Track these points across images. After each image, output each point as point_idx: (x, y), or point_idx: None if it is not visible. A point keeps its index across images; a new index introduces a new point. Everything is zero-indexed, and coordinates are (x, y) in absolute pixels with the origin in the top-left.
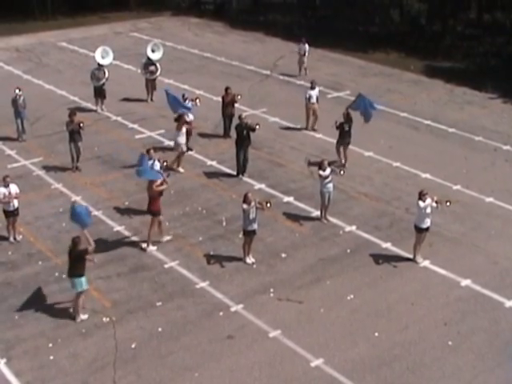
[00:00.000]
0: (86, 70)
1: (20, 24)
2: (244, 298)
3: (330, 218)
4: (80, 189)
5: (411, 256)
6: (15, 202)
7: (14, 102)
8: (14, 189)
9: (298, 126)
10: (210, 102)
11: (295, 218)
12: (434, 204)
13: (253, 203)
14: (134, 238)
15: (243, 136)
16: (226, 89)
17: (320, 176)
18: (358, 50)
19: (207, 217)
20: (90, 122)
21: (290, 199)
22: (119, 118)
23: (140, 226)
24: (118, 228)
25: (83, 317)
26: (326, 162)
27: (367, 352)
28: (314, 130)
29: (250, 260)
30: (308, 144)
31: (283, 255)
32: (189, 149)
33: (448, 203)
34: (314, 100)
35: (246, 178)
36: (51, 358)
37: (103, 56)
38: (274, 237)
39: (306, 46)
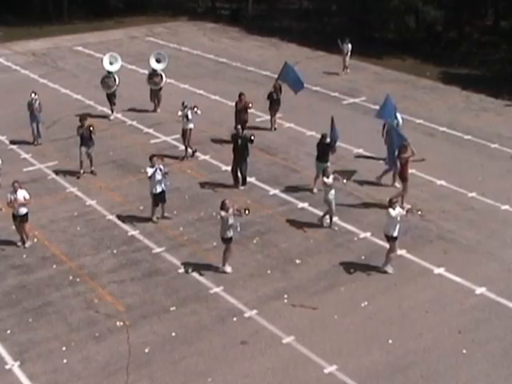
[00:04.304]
0: (102, 74)
1: (36, 28)
2: (258, 304)
3: (345, 225)
4: (95, 193)
5: (426, 263)
6: (22, 209)
7: (30, 105)
8: (21, 195)
9: (313, 133)
10: (225, 107)
11: (310, 224)
12: (404, 212)
13: (231, 210)
14: (148, 243)
15: (238, 146)
16: (240, 95)
17: (324, 183)
18: (374, 57)
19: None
20: (106, 126)
21: (305, 205)
22: (134, 123)
23: (154, 230)
24: (132, 232)
25: None
26: (329, 169)
27: (381, 359)
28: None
29: (228, 269)
30: None
31: (297, 261)
32: (193, 152)
33: (419, 212)
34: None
35: (259, 184)
36: (64, 361)
37: (111, 62)
38: (288, 243)
39: (349, 45)
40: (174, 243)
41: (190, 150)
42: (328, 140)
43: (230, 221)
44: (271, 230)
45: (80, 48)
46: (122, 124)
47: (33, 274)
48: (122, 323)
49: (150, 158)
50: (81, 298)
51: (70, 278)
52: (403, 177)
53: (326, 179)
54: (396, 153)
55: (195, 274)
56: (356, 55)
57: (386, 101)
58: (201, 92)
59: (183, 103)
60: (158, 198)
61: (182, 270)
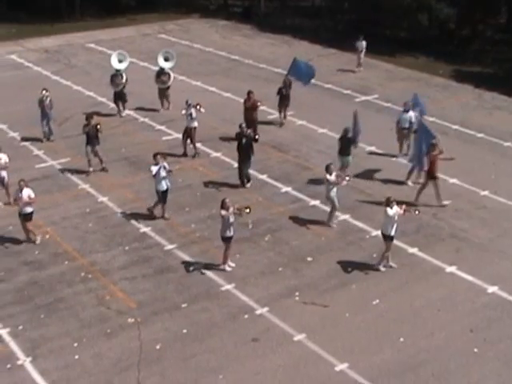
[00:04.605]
0: (113, 70)
1: (49, 25)
2: (269, 301)
3: (356, 222)
4: (107, 190)
5: (438, 262)
6: (27, 208)
7: (41, 102)
8: (26, 193)
9: (325, 130)
10: (237, 104)
11: (321, 221)
12: (402, 212)
13: (231, 209)
14: (160, 240)
15: (243, 145)
16: (248, 93)
17: (327, 180)
18: (386, 54)
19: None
20: (118, 123)
21: (317, 203)
22: (146, 120)
23: (166, 227)
24: (144, 229)
25: None
26: (332, 166)
27: (392, 357)
28: (405, 155)
29: (230, 266)
30: (335, 148)
31: (309, 259)
32: (193, 153)
33: (417, 212)
34: (404, 125)
35: (271, 181)
36: (76, 357)
37: (120, 60)
38: (299, 240)
39: (364, 42)
40: (186, 240)
41: (190, 151)
42: (350, 134)
43: (231, 219)
44: (283, 227)
45: (92, 45)
46: (134, 121)
47: (45, 271)
48: (133, 320)
49: (154, 156)
50: (92, 295)
51: (82, 274)
52: (432, 175)
53: (328, 176)
54: (424, 151)
55: (206, 271)
56: (368, 53)
57: (416, 99)
58: (213, 89)
59: (187, 101)
60: (164, 196)
61: (193, 267)
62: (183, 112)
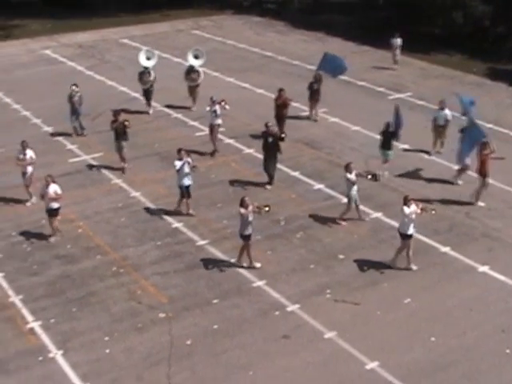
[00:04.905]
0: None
1: (83, 21)
2: (300, 298)
3: (389, 220)
4: (139, 185)
5: (470, 261)
6: (52, 204)
7: (70, 98)
8: (52, 189)
9: (358, 128)
10: (270, 101)
11: (353, 219)
12: (419, 211)
13: (250, 207)
14: (192, 236)
15: (268, 144)
16: (279, 90)
17: (347, 180)
18: (420, 52)
19: (265, 216)
20: (151, 118)
21: None
22: (179, 116)
23: (198, 223)
24: (176, 225)
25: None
26: (352, 165)
27: (423, 356)
28: (438, 152)
29: (257, 264)
30: (368, 145)
31: (341, 256)
32: (213, 152)
33: (433, 211)
34: (440, 122)
35: (304, 178)
36: (107, 351)
37: (148, 57)
38: (331, 238)
39: (399, 40)
40: (218, 236)
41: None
42: (392, 128)
43: (250, 218)
44: (315, 224)
45: (126, 40)
46: (167, 117)
47: (77, 264)
48: (164, 315)
49: (178, 151)
50: (124, 289)
51: (114, 268)
52: (483, 173)
53: (348, 175)
54: (473, 149)
55: (238, 267)
56: (402, 50)
57: (464, 100)
58: (246, 86)
59: (211, 98)
60: (187, 192)
61: (224, 263)
62: (207, 109)
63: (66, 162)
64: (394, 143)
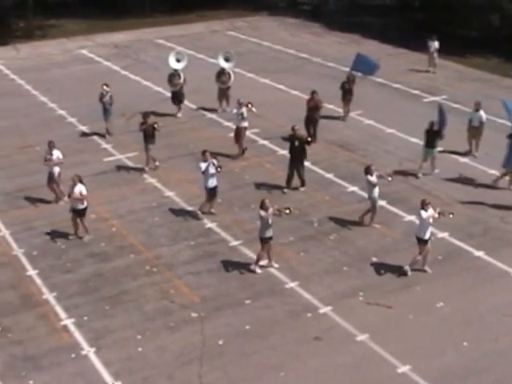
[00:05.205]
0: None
1: (119, 21)
2: (333, 300)
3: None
4: (173, 184)
5: (504, 266)
6: (77, 204)
7: (101, 98)
8: (78, 190)
9: (393, 130)
10: (304, 103)
11: (387, 222)
12: (437, 215)
13: (270, 209)
14: (225, 236)
15: (295, 147)
16: (312, 93)
17: (368, 182)
18: (456, 55)
19: (299, 217)
20: (186, 119)
21: (383, 203)
22: (214, 116)
23: (231, 223)
24: (209, 225)
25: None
26: (372, 167)
27: (455, 361)
28: (473, 156)
29: (258, 270)
30: (403, 148)
31: (374, 259)
32: (243, 151)
33: (451, 215)
34: (475, 124)
35: (338, 180)
36: (139, 349)
37: (178, 59)
38: (364, 240)
39: (436, 43)
40: (251, 237)
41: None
42: (436, 127)
43: (270, 221)
44: (348, 226)
45: (161, 41)
46: (202, 117)
47: (110, 263)
48: (196, 314)
49: (203, 153)
50: (157, 288)
51: (147, 267)
52: None
53: (369, 177)
54: None
55: (271, 268)
56: (438, 53)
57: (509, 105)
58: (281, 87)
59: (238, 100)
60: (213, 193)
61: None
62: (234, 111)
63: (100, 161)
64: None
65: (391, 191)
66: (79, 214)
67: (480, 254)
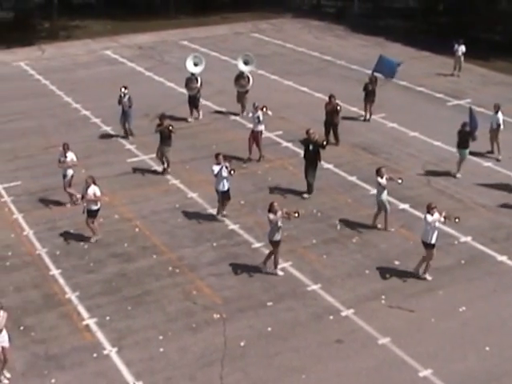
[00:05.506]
0: (207, 68)
1: (143, 22)
2: (355, 303)
3: (445, 228)
4: (196, 186)
5: None
6: (91, 205)
7: (120, 100)
8: (91, 191)
9: (416, 134)
10: None
11: (410, 225)
12: (442, 219)
13: (279, 213)
14: (248, 238)
15: (309, 151)
16: (330, 97)
17: (378, 184)
18: (481, 58)
19: (322, 220)
20: (209, 120)
21: (406, 206)
22: (237, 118)
23: (254, 225)
24: (232, 226)
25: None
26: (383, 169)
27: (477, 366)
28: (496, 159)
29: (280, 272)
30: (426, 151)
31: (396, 262)
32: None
33: (457, 220)
34: (493, 126)
35: (361, 183)
36: (161, 350)
37: (196, 63)
38: (387, 244)
39: (463, 46)
40: None
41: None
42: (468, 128)
43: (279, 223)
44: (371, 230)
45: (186, 42)
46: (225, 118)
47: (133, 263)
48: (218, 316)
49: (216, 156)
50: (179, 289)
51: (170, 268)
52: None
53: (379, 179)
54: None
55: (293, 271)
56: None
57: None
58: (304, 89)
59: (254, 104)
60: (226, 196)
61: (280, 266)
62: (250, 115)
63: (124, 162)
64: (451, 151)
65: (414, 195)
66: (91, 215)
67: (503, 258)
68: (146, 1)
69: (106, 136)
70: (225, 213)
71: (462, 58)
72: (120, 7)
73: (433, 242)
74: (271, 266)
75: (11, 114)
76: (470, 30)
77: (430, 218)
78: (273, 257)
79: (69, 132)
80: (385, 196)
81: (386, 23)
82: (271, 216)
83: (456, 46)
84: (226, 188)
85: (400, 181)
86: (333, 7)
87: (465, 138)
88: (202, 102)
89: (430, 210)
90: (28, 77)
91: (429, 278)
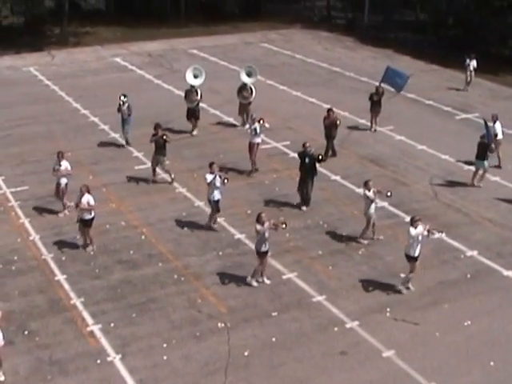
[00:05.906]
0: (216, 77)
1: (154, 30)
2: (360, 315)
3: (452, 242)
4: (203, 194)
5: None
6: (85, 214)
7: (119, 109)
8: (85, 200)
9: (424, 147)
10: (336, 117)
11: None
12: (426, 232)
13: (267, 224)
14: (253, 247)
15: (305, 164)
16: (328, 110)
17: (366, 197)
18: (490, 73)
19: (328, 231)
20: (217, 129)
21: None
22: (245, 127)
23: None
24: (238, 236)
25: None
26: (370, 183)
27: (481, 380)
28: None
29: (267, 280)
30: (434, 164)
31: (402, 275)
32: (254, 170)
33: (442, 233)
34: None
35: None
36: (165, 357)
37: (196, 75)
38: (393, 256)
39: (474, 61)
40: (280, 249)
41: (254, 166)
42: (486, 140)
43: (266, 235)
44: (377, 242)
45: (195, 51)
46: (233, 128)
47: (139, 270)
48: (223, 324)
49: (210, 165)
50: (184, 297)
51: (175, 276)
52: None
53: (367, 192)
54: None
55: (299, 281)
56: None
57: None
58: (313, 100)
59: (251, 116)
60: (217, 207)
61: (286, 277)
62: (246, 127)
63: (131, 169)
64: (458, 165)
65: (421, 208)
66: (85, 224)
67: (509, 273)
68: (157, 9)
69: (114, 143)
70: (215, 226)
71: (473, 73)
72: (130, 14)
73: (416, 255)
74: (261, 277)
75: (20, 119)
76: (479, 44)
77: (413, 231)
78: (263, 266)
79: (77, 138)
80: (373, 210)
81: (396, 36)
82: (258, 227)
83: (468, 60)
84: (216, 198)
85: (389, 193)
86: (343, 19)
87: (484, 149)
88: (210, 110)
89: (413, 222)
90: (37, 82)
91: (404, 291)
